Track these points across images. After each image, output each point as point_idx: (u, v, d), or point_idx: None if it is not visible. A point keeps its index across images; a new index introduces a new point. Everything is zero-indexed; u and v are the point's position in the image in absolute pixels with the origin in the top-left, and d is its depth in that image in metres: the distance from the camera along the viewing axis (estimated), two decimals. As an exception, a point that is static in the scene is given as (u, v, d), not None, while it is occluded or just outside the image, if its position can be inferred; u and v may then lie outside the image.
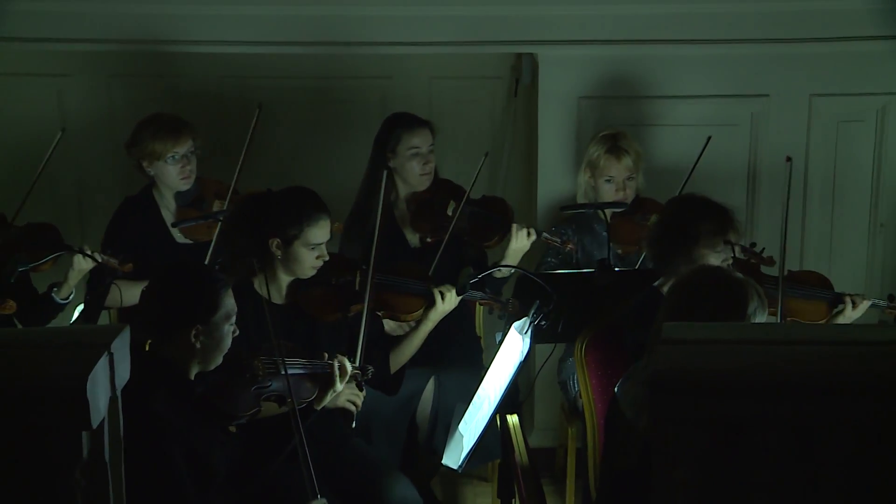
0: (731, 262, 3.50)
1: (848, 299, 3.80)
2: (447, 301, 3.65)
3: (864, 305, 3.81)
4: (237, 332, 3.03)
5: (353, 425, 3.46)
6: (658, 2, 4.43)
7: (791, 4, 4.45)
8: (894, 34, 4.43)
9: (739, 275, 2.90)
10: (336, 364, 3.27)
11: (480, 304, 3.96)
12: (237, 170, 4.11)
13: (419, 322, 3.68)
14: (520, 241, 4.00)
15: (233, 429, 3.16)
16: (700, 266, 3.28)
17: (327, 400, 3.31)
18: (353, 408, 3.42)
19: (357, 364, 3.43)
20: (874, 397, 1.78)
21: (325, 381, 3.28)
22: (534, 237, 4.02)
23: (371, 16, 4.45)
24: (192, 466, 2.85)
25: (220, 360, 3.00)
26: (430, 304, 3.65)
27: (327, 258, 3.50)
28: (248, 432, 3.26)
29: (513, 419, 3.32)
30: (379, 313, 3.70)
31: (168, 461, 2.79)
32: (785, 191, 3.91)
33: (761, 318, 2.85)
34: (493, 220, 4.06)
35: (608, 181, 4.22)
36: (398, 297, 3.68)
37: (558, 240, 4.08)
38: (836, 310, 3.82)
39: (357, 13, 4.45)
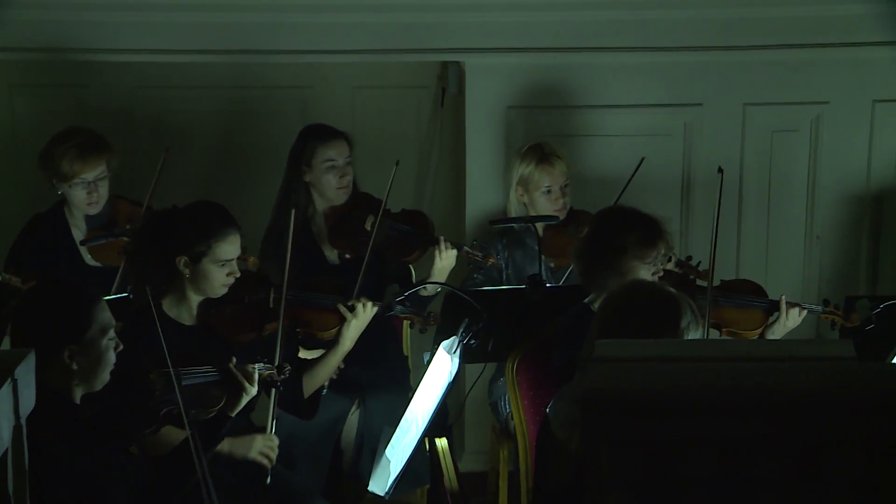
0: (661, 273, 3.44)
1: (783, 307, 3.76)
2: (358, 314, 3.52)
3: (801, 312, 3.77)
4: (120, 347, 2.92)
5: (269, 481, 3.34)
6: (588, 8, 4.42)
7: (723, 12, 4.46)
8: (827, 43, 4.46)
9: (672, 289, 2.88)
10: (233, 367, 3.09)
11: (402, 318, 3.85)
12: (149, 194, 4.00)
13: (334, 341, 3.56)
14: (447, 259, 3.92)
15: (134, 449, 3.03)
16: (631, 281, 3.26)
17: (241, 405, 3.14)
18: (266, 461, 3.33)
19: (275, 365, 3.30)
20: (812, 415, 1.77)
21: (234, 387, 3.12)
22: (456, 252, 3.95)
23: (290, 23, 4.39)
24: (84, 498, 2.72)
25: (106, 378, 2.89)
26: (343, 319, 3.55)
27: (238, 275, 3.40)
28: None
29: (442, 443, 3.36)
30: (298, 330, 3.56)
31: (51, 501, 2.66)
32: (716, 202, 3.83)
33: (695, 333, 2.83)
34: (413, 234, 3.99)
35: (546, 192, 4.15)
36: (314, 313, 3.60)
37: (480, 254, 4.01)
38: (771, 318, 3.80)
39: (275, 20, 4.40)
